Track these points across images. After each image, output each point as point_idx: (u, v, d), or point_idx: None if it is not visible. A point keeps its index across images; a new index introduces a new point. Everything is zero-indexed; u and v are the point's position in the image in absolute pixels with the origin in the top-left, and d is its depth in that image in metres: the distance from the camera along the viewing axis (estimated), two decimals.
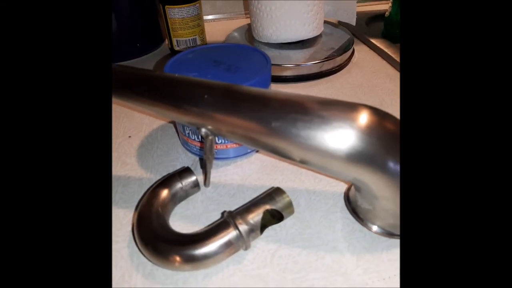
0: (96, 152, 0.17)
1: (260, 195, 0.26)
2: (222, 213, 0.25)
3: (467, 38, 0.17)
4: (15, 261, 0.15)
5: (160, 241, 0.23)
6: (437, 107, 0.17)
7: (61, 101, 0.17)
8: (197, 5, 0.50)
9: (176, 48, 0.53)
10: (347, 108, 0.22)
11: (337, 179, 0.30)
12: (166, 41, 0.56)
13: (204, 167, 0.28)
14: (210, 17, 0.66)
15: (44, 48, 0.17)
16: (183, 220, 0.27)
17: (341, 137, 0.21)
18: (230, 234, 0.23)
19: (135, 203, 0.29)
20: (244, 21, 0.65)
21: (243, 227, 0.23)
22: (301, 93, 0.24)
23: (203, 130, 0.25)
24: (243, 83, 0.28)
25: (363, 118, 0.21)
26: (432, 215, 0.16)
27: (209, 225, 0.24)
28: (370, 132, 0.21)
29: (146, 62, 0.52)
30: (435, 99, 0.17)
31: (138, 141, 0.36)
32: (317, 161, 0.22)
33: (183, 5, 0.49)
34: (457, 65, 0.17)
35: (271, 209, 0.24)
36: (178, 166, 0.32)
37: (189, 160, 0.33)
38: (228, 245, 0.23)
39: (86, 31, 0.18)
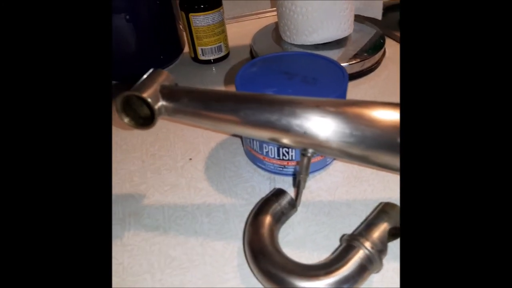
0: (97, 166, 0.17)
1: (371, 213, 0.25)
2: (341, 238, 0.24)
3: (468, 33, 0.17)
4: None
5: (290, 274, 0.22)
6: (438, 104, 0.17)
7: (62, 122, 0.17)
8: (221, 10, 0.48)
9: (201, 58, 0.50)
10: None
11: None
12: (186, 50, 0.54)
13: (298, 186, 0.27)
14: None
15: (44, 66, 0.17)
16: (290, 247, 0.26)
17: None
18: (361, 258, 0.22)
19: (228, 233, 0.27)
20: (260, 22, 0.63)
21: (373, 249, 0.22)
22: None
23: (310, 150, 0.24)
24: (330, 95, 0.27)
25: None
26: (433, 213, 0.16)
27: (333, 252, 0.23)
28: None
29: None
30: (436, 96, 0.17)
31: (201, 163, 0.34)
32: None
33: (208, 12, 0.47)
34: (456, 63, 0.17)
35: (394, 227, 0.23)
36: (255, 186, 0.31)
37: (264, 178, 0.32)
38: (363, 269, 0.22)
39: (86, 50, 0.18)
